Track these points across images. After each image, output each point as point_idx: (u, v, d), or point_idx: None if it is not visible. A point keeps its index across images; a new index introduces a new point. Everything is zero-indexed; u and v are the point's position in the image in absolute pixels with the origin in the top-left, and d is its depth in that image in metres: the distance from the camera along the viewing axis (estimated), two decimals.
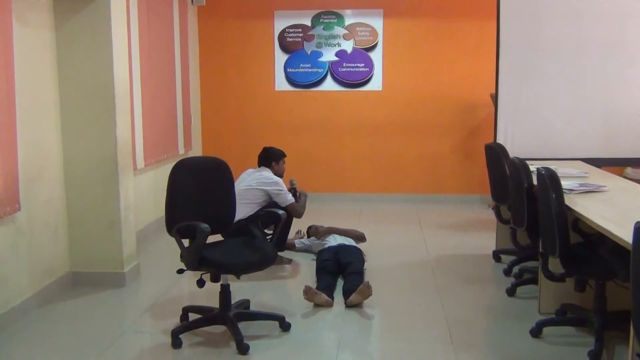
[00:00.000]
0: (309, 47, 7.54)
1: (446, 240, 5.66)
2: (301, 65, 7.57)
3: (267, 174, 4.87)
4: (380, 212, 7.07)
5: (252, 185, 4.75)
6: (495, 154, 4.66)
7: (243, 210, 4.47)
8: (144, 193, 5.66)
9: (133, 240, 4.60)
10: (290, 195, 4.79)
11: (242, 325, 3.47)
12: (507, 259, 4.90)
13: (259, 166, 4.99)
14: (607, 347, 3.25)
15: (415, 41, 7.45)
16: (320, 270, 4.45)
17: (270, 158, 4.99)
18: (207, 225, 3.25)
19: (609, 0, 5.31)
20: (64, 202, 4.34)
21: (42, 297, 4.02)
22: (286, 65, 7.59)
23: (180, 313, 3.73)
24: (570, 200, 3.45)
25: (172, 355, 3.34)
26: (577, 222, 3.45)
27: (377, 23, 7.47)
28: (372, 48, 7.50)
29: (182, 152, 6.67)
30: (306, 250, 5.27)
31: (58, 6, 4.19)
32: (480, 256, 5.22)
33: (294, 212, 4.77)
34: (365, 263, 4.74)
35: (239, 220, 4.23)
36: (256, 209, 4.61)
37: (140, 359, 3.36)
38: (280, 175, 4.93)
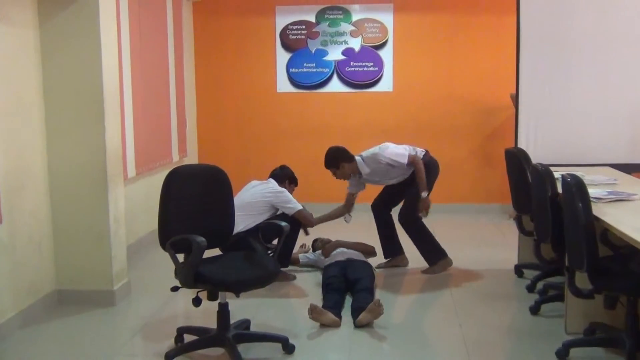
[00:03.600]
0: (313, 45, 7.57)
1: (463, 254, 5.64)
2: (305, 64, 7.60)
3: (272, 185, 4.92)
4: None
5: (256, 197, 4.78)
6: (517, 159, 4.65)
7: (243, 222, 4.48)
8: (136, 204, 5.67)
9: (124, 255, 4.61)
10: (298, 203, 4.82)
11: (241, 347, 3.47)
12: (530, 274, 4.89)
13: (269, 179, 5.05)
14: None
15: (429, 38, 7.46)
16: (327, 287, 4.44)
17: (284, 176, 5.08)
18: (203, 239, 3.26)
19: None
20: (49, 214, 4.35)
21: (25, 317, 4.03)
22: (289, 65, 7.62)
23: (175, 334, 3.72)
24: (598, 210, 3.44)
25: None
26: (606, 234, 3.44)
27: (387, 18, 7.49)
28: (382, 46, 7.52)
29: (176, 160, 6.69)
30: (312, 265, 5.27)
31: (42, 2, 4.21)
32: (501, 271, 5.21)
33: (304, 220, 4.79)
34: (376, 279, 4.73)
35: (238, 233, 4.24)
36: (257, 222, 4.62)
37: None
38: None
